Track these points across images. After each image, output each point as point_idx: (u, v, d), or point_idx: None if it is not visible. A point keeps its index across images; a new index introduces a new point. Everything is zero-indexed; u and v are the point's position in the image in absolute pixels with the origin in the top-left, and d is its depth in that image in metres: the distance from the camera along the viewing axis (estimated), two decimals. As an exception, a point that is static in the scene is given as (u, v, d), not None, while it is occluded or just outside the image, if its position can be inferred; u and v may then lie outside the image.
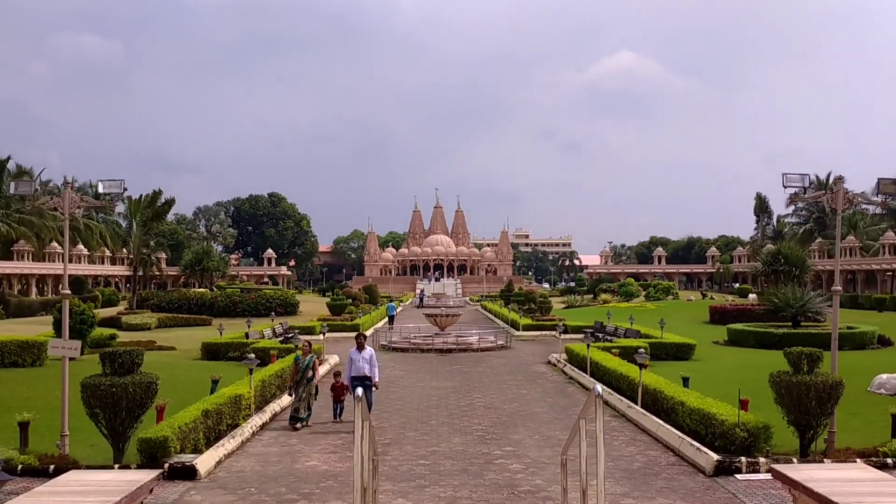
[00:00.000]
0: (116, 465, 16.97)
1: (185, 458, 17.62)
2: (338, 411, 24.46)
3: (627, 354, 33.56)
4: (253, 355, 24.50)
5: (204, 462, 17.63)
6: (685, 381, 24.60)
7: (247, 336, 43.75)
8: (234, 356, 38.61)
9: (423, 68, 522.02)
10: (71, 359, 19.71)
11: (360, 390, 9.78)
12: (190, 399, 22.35)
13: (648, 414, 22.53)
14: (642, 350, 24.98)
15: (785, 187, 19.23)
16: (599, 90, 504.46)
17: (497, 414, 25.04)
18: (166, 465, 16.95)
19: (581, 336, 49.39)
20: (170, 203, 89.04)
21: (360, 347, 23.65)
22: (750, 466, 17.04)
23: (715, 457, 17.32)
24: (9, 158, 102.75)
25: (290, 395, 23.79)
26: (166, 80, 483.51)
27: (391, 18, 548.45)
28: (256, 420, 22.75)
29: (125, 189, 19.64)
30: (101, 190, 19.75)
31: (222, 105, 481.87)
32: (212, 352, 40.92)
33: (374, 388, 23.55)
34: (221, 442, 19.58)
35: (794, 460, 17.07)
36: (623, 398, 25.58)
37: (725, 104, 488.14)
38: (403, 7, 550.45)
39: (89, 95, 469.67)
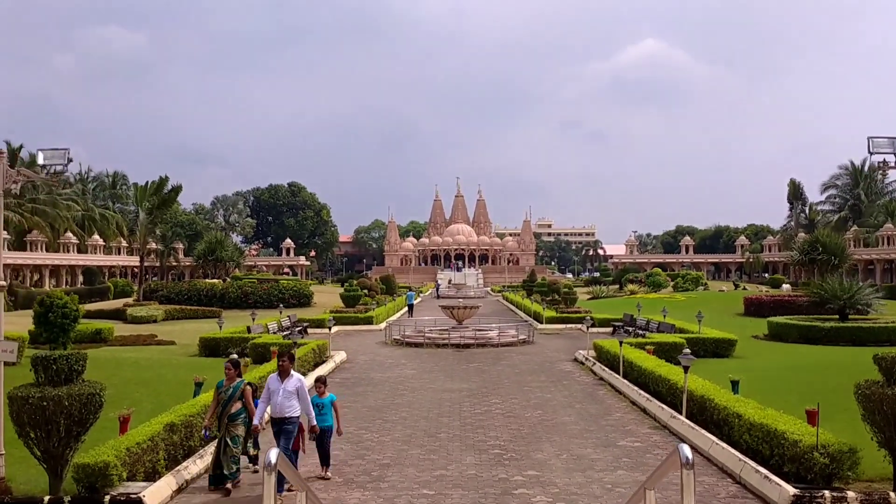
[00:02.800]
0: (47, 498, 13.78)
1: (134, 487, 14.40)
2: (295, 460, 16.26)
3: (663, 351, 31.22)
4: (235, 355, 20.95)
5: (155, 493, 14.40)
6: (734, 386, 21.19)
7: (249, 330, 40.96)
8: (235, 352, 35.71)
9: (446, 58, 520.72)
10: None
11: (272, 454, 6.33)
12: (171, 403, 19.73)
13: (697, 427, 19.09)
14: (687, 350, 21.42)
15: (871, 153, 16.03)
16: (625, 79, 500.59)
17: (518, 424, 21.65)
18: (107, 498, 13.77)
19: (609, 330, 47.04)
20: (177, 190, 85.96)
21: (284, 373, 15.91)
22: (835, 503, 13.60)
23: (791, 490, 13.79)
24: (21, 147, 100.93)
25: (204, 436, 16.84)
26: (191, 71, 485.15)
27: (415, 9, 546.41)
28: (236, 433, 19.47)
29: (70, 160, 16.44)
30: (40, 161, 16.57)
31: (246, 96, 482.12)
32: (210, 347, 38.13)
33: (312, 436, 16.30)
34: (186, 464, 16.42)
35: (891, 494, 13.66)
36: (664, 406, 22.14)
37: (753, 93, 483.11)
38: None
39: (114, 88, 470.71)
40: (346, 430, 20.10)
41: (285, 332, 42.90)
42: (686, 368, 20.51)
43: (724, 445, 17.13)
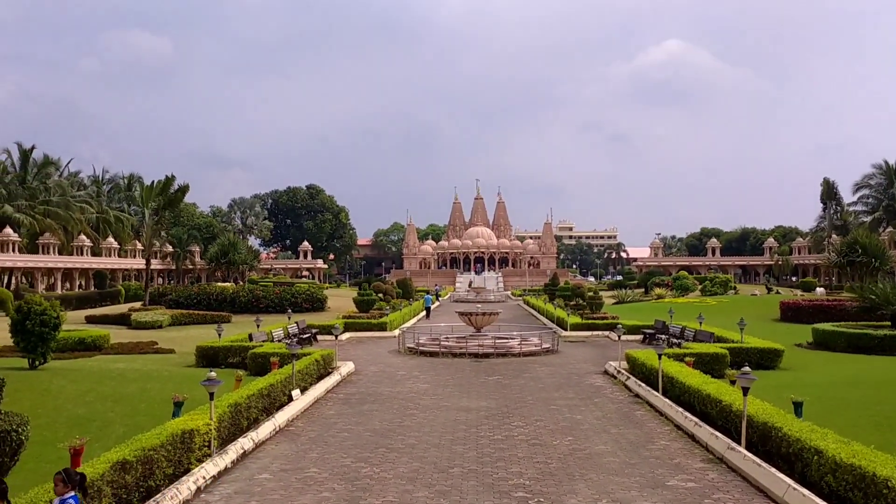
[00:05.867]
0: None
1: (57, 551, 11.19)
2: None
3: (703, 363, 28.78)
4: (214, 374, 17.70)
5: (84, 559, 11.18)
6: (797, 408, 18.07)
7: (251, 338, 37.94)
8: (235, 362, 33.45)
9: (466, 61, 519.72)
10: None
11: None
12: (147, 425, 16.90)
13: (764, 464, 15.81)
14: (747, 369, 17.94)
15: None
16: (647, 80, 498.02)
17: (545, 455, 18.33)
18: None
19: (639, 337, 44.66)
20: (183, 189, 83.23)
21: None
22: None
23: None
24: (33, 148, 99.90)
25: None
26: (214, 75, 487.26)
27: (435, 12, 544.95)
28: (209, 468, 16.25)
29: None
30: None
31: (269, 100, 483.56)
32: (209, 357, 35.20)
33: None
34: (134, 514, 13.23)
35: None
36: (717, 433, 18.80)
37: (777, 93, 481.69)
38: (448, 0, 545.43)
39: (139, 91, 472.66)
40: (342, 463, 17.22)
41: (293, 339, 40.11)
42: (745, 390, 17.28)
43: (805, 492, 13.84)
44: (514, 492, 15.31)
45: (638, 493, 15.16)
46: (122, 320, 59.80)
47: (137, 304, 75.40)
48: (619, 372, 31.43)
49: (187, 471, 15.73)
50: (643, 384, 27.41)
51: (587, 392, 28.23)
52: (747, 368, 17.96)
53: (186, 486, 15.06)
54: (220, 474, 16.64)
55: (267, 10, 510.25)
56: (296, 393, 25.08)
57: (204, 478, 15.83)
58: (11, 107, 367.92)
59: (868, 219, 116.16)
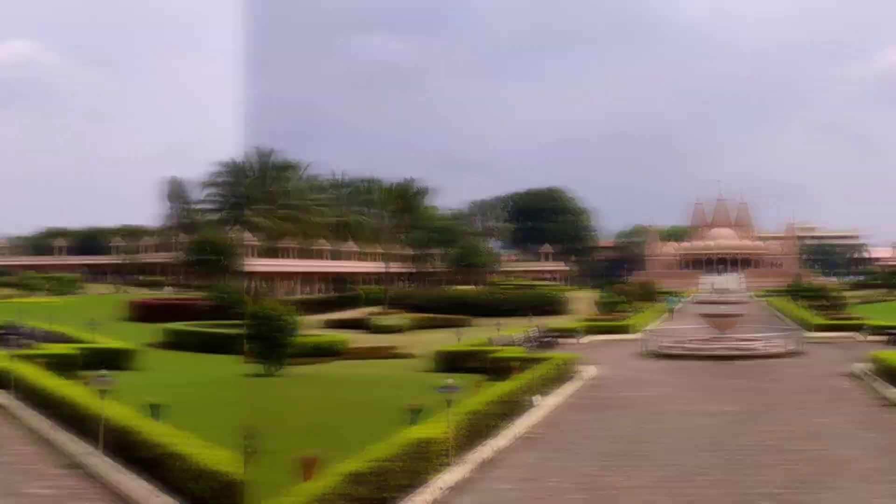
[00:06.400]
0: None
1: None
2: None
3: None
4: (452, 381, 17.54)
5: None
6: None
7: (490, 342, 37.70)
8: (474, 367, 32.87)
9: (703, 61, 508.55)
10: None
11: None
12: (384, 433, 16.53)
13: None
14: None
15: None
16: (890, 80, 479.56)
17: (793, 462, 17.50)
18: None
19: (884, 339, 42.86)
20: (422, 192, 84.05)
21: None
22: None
23: None
24: (272, 151, 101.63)
25: None
26: (453, 78, 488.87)
27: (673, 11, 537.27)
28: (446, 479, 15.96)
29: None
30: None
31: (507, 103, 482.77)
32: (448, 362, 35.15)
33: None
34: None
35: None
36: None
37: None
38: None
39: (379, 95, 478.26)
40: (583, 471, 16.91)
41: (534, 343, 39.93)
42: None
43: None
44: (762, 501, 14.73)
45: (892, 502, 14.35)
46: (361, 324, 60.97)
47: (377, 309, 76.52)
48: (865, 374, 30.32)
49: (423, 482, 15.58)
50: (892, 387, 26.27)
51: (832, 394, 27.34)
52: None
53: (423, 497, 14.88)
54: (458, 485, 16.34)
55: (505, 15, 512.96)
56: (536, 399, 24.79)
57: (441, 489, 15.60)
58: (254, 112, 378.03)
59: (216, 217, 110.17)
